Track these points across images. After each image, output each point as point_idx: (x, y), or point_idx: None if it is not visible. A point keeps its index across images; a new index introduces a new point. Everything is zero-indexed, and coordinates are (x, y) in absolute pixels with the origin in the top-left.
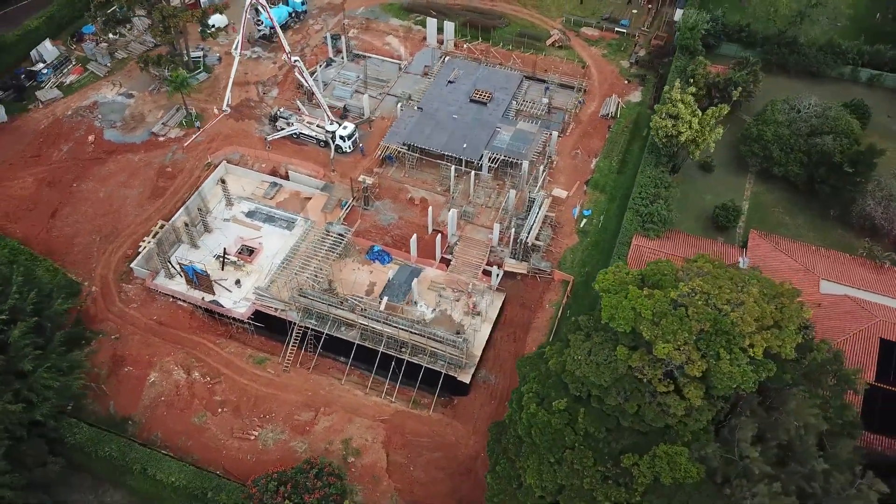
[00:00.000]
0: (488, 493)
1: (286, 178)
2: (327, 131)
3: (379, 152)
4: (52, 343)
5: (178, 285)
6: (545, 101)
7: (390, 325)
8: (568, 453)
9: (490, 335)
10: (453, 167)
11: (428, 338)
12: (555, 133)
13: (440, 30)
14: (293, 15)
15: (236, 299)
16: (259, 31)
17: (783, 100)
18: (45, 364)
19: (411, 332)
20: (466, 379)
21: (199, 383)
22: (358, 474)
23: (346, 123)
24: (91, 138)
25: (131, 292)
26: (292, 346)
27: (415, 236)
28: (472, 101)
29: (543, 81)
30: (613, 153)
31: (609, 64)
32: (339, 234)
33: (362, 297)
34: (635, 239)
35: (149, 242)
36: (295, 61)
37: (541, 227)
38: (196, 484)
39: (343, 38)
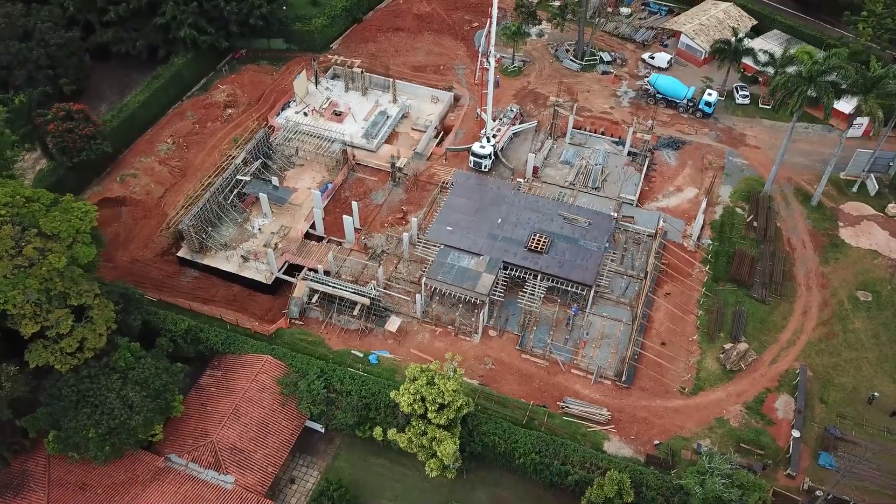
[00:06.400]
0: None
1: (443, 138)
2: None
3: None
4: None
5: (300, 83)
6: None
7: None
8: None
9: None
10: (408, 234)
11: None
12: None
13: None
14: (689, 103)
15: (288, 115)
16: (643, 85)
17: None
18: None
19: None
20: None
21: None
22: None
23: (488, 148)
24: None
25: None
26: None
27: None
28: (533, 236)
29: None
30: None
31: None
32: (341, 148)
33: (270, 181)
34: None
35: (336, 62)
36: (486, 65)
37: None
38: None
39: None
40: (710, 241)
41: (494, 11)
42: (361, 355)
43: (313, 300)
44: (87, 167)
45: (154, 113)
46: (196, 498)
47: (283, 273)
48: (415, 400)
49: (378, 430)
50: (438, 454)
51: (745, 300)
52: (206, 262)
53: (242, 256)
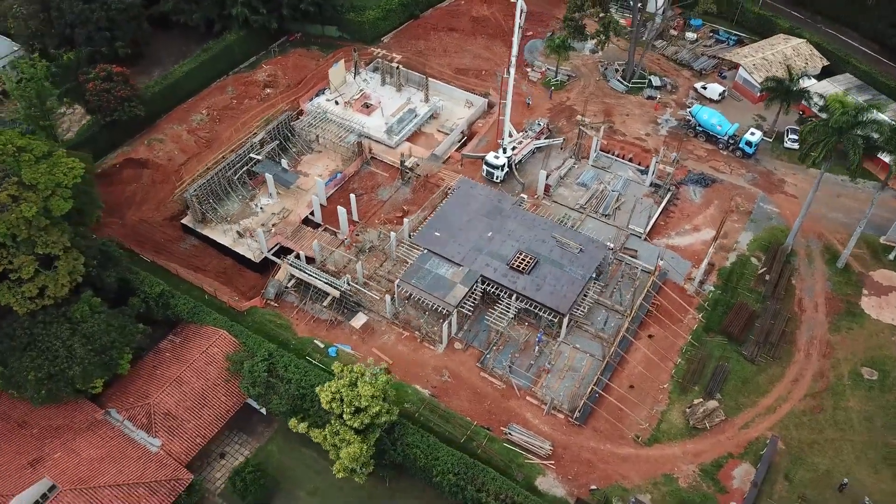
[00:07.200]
0: None
1: (466, 143)
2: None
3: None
4: None
5: (337, 72)
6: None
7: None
8: None
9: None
10: (395, 234)
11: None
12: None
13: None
14: (729, 140)
15: (319, 102)
16: (688, 120)
17: None
18: None
19: (221, 168)
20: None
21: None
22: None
23: (503, 159)
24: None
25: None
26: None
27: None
28: (518, 254)
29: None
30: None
31: None
32: (355, 140)
33: (280, 164)
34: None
35: (378, 55)
36: (506, 76)
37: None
38: None
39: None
40: (712, 288)
41: (518, 19)
42: (323, 346)
43: (290, 284)
44: (121, 127)
45: (197, 84)
46: (119, 454)
47: (274, 254)
48: (334, 399)
49: (293, 421)
50: (341, 455)
51: (732, 356)
52: (206, 232)
53: (238, 232)
